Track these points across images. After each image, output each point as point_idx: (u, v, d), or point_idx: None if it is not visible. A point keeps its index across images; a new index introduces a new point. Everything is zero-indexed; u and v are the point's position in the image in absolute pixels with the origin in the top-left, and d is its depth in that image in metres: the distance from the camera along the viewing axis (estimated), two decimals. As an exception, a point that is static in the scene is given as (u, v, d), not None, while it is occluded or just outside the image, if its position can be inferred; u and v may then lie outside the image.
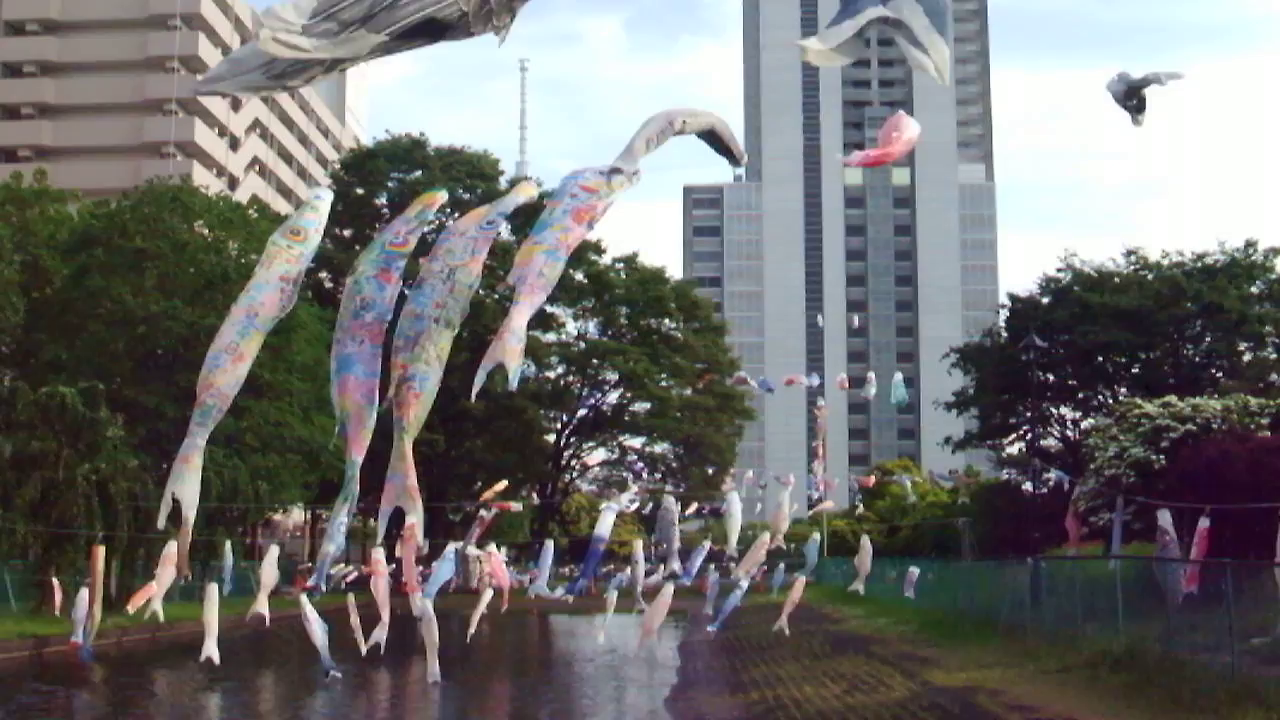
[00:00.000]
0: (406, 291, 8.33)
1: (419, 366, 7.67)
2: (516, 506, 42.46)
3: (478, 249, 8.28)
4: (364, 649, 20.46)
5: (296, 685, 23.46)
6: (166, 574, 22.86)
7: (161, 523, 7.92)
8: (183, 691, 25.52)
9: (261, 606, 20.70)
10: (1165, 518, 23.72)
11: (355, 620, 20.74)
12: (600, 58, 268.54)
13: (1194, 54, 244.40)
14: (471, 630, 20.02)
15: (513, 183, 73.11)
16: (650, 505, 57.67)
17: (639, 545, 20.89)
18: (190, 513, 7.65)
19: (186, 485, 7.66)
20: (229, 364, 7.72)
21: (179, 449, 8.15)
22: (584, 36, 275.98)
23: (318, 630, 18.82)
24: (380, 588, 17.03)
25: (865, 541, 29.93)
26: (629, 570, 35.91)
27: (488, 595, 20.76)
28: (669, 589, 20.46)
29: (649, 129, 8.13)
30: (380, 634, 17.26)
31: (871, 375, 52.46)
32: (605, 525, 21.47)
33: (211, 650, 19.03)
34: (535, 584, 28.02)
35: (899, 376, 48.68)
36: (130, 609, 23.91)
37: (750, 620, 33.52)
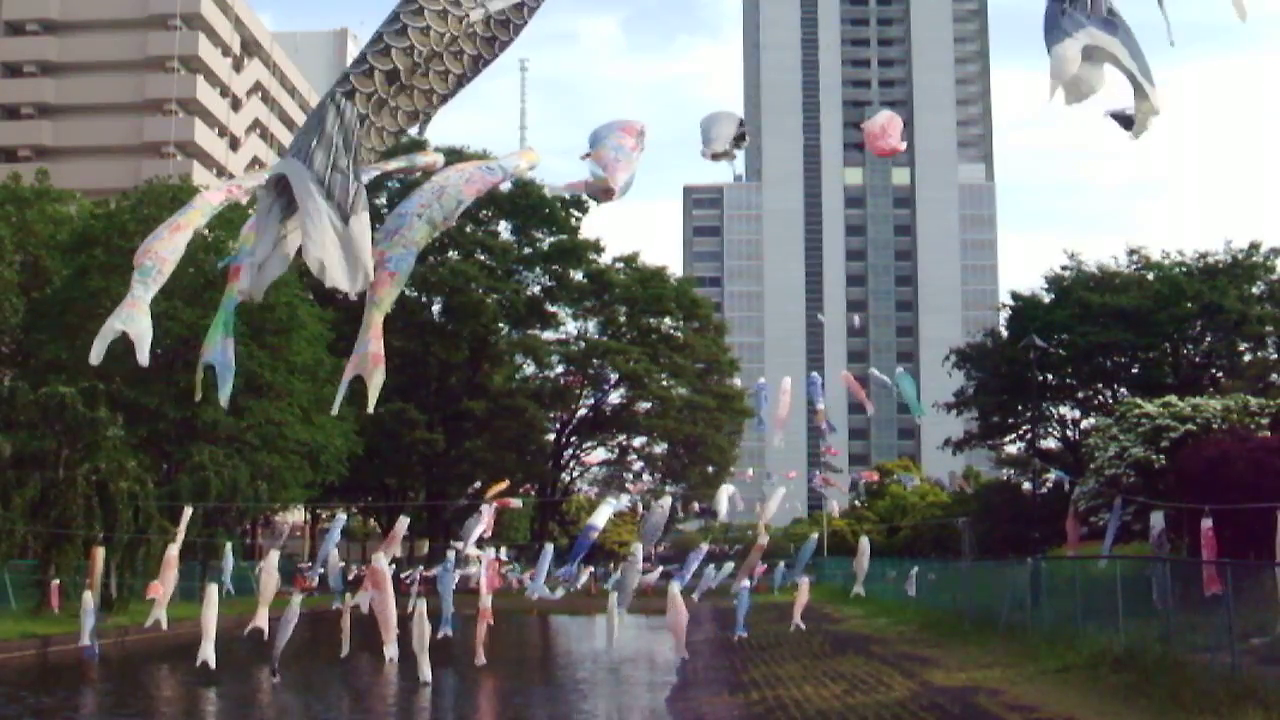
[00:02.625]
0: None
1: (396, 250, 7.79)
2: (517, 503, 42.57)
3: (473, 179, 8.41)
4: (345, 650, 20.50)
5: (290, 685, 23.43)
6: (169, 579, 22.88)
7: (97, 357, 7.76)
8: (177, 692, 25.51)
9: (261, 620, 20.74)
10: (1156, 519, 23.75)
11: (346, 621, 20.78)
12: (598, 57, 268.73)
13: (1194, 54, 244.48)
14: (481, 660, 20.17)
15: (515, 184, 73.18)
16: (650, 504, 57.59)
17: (638, 548, 20.93)
18: (144, 351, 7.63)
19: (136, 323, 7.70)
20: (168, 234, 7.88)
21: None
22: (581, 36, 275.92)
23: (284, 632, 18.81)
24: (383, 604, 17.02)
25: (864, 542, 30.07)
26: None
27: (483, 626, 20.84)
28: (675, 587, 20.49)
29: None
30: (390, 650, 17.32)
31: (874, 371, 52.31)
32: (600, 516, 21.63)
33: (208, 654, 19.05)
34: (533, 583, 28.07)
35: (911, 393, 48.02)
36: (149, 622, 23.94)
37: (751, 620, 33.47)
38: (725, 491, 23.07)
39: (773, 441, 44.88)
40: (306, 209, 5.91)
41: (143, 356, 7.60)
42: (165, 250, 7.76)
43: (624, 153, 7.90)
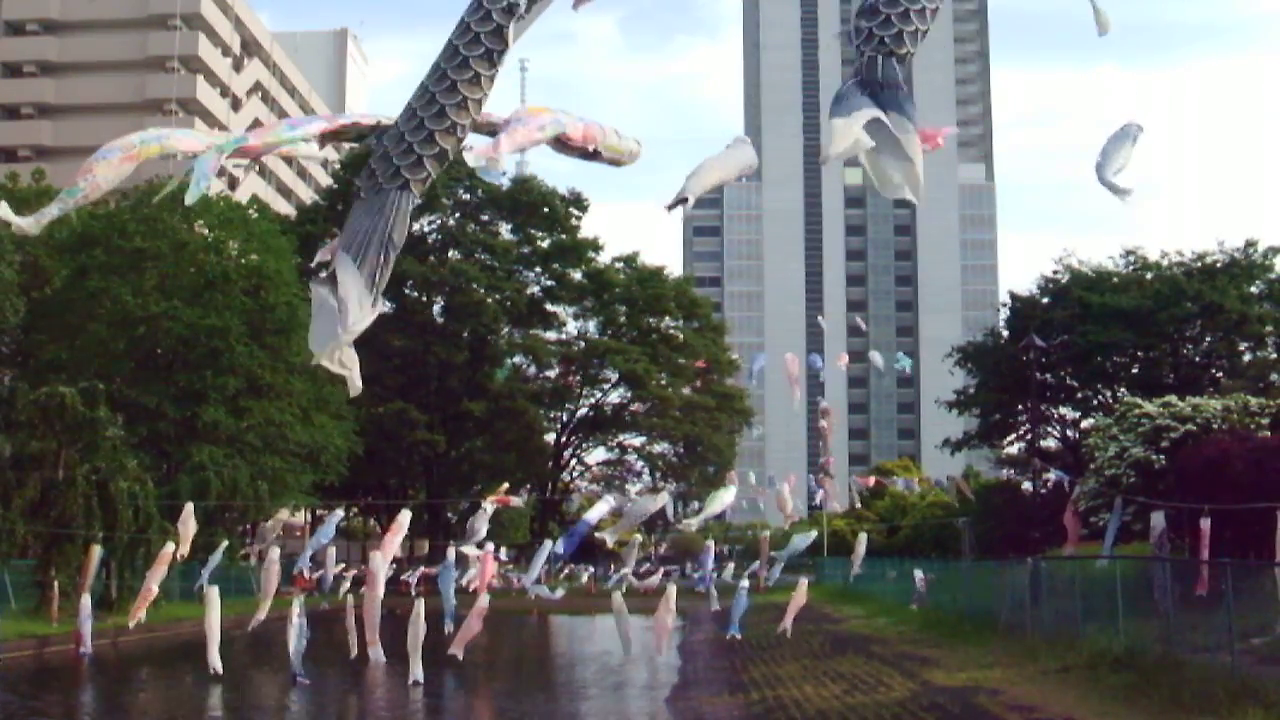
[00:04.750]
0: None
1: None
2: (518, 501, 42.66)
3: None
4: (354, 651, 20.48)
5: (285, 686, 23.42)
6: (157, 575, 22.87)
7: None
8: (169, 693, 25.47)
9: (262, 615, 20.76)
10: (1157, 520, 23.76)
11: (351, 621, 20.76)
12: (595, 57, 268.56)
13: (1194, 54, 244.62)
14: (457, 653, 20.01)
15: (515, 182, 73.25)
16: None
17: (635, 543, 21.06)
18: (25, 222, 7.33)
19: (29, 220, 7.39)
20: (118, 159, 7.46)
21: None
22: (578, 36, 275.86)
23: (295, 636, 18.85)
24: (371, 605, 17.02)
25: (861, 537, 30.70)
26: (629, 570, 36.05)
27: (478, 622, 20.79)
28: (672, 590, 20.52)
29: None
30: (375, 652, 17.35)
31: (875, 355, 52.60)
32: (595, 511, 21.84)
33: (214, 661, 19.04)
34: (531, 583, 28.14)
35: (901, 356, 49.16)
36: (132, 622, 23.95)
37: (750, 620, 33.49)
38: (727, 493, 23.18)
39: (794, 401, 44.88)
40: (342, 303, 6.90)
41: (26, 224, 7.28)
42: (105, 180, 7.44)
43: (554, 124, 7.78)
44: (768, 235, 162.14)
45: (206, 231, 53.82)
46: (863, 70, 6.75)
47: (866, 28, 6.73)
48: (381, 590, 17.50)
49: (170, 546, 23.29)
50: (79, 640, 26.62)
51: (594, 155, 8.12)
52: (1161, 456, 29.93)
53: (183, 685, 25.85)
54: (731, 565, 56.12)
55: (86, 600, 25.49)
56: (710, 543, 38.15)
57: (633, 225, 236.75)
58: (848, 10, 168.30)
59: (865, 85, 6.80)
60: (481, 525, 25.82)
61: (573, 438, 77.95)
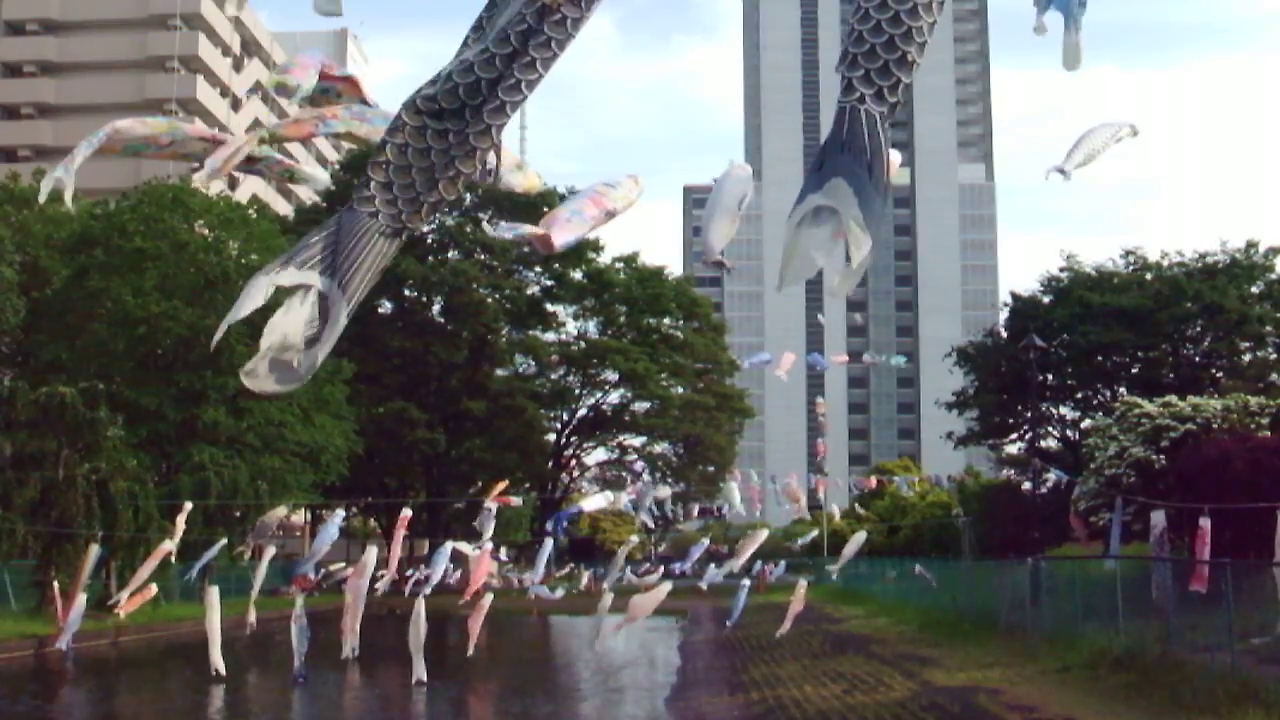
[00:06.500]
0: None
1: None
2: (517, 501, 42.66)
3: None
4: (345, 652, 20.53)
5: (284, 686, 23.40)
6: (148, 568, 22.87)
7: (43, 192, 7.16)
8: (165, 693, 25.44)
9: (249, 614, 20.79)
10: (1157, 519, 23.78)
11: (350, 621, 20.76)
12: (593, 57, 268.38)
13: (1193, 54, 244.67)
14: (469, 652, 20.10)
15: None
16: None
17: (632, 539, 21.15)
18: (43, 191, 7.16)
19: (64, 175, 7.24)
20: (139, 122, 7.71)
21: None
22: (576, 35, 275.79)
23: (298, 636, 18.86)
24: (354, 600, 17.02)
25: (859, 535, 30.85)
26: (627, 569, 36.13)
27: (478, 621, 20.81)
28: (666, 587, 20.53)
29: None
30: (348, 645, 17.36)
31: (868, 357, 52.83)
32: (591, 502, 22.04)
33: (216, 660, 19.06)
34: (533, 582, 28.18)
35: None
36: (122, 613, 23.94)
37: (751, 620, 33.51)
38: (734, 491, 23.44)
39: (782, 368, 44.74)
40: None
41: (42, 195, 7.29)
42: (125, 130, 7.52)
43: (580, 218, 7.73)
44: (768, 235, 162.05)
45: (206, 232, 53.80)
46: (834, 126, 6.13)
47: (844, 76, 6.07)
48: (366, 586, 17.51)
49: (167, 544, 23.27)
50: (61, 636, 26.48)
51: (609, 216, 8.15)
52: (1161, 456, 29.94)
53: (181, 685, 25.81)
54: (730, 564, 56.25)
55: (82, 599, 25.42)
56: (706, 540, 38.33)
57: (633, 225, 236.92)
58: (848, 10, 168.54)
59: (824, 152, 6.24)
60: (487, 527, 25.81)
61: (573, 438, 77.98)
